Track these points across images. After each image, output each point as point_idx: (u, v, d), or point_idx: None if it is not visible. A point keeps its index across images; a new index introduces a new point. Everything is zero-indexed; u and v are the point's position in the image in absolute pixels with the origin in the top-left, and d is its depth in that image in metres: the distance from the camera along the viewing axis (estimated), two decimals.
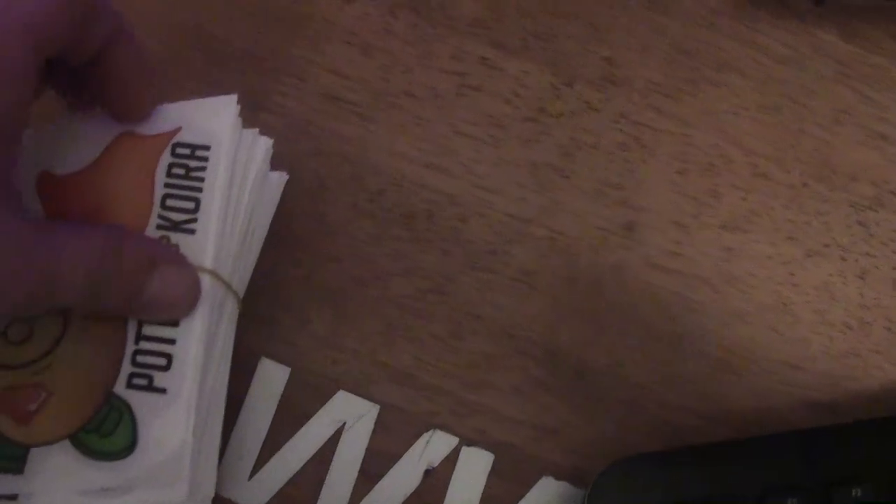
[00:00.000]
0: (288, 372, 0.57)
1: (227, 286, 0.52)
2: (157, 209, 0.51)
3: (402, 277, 0.58)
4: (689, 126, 0.60)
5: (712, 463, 0.53)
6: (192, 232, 0.51)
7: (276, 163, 0.57)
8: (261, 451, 0.56)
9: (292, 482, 0.55)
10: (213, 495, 0.51)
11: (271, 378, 0.57)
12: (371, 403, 0.56)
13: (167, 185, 0.52)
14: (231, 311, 0.53)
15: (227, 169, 0.52)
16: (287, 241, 0.58)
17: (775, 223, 0.59)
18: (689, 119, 0.60)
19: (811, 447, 0.52)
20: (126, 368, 0.49)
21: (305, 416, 0.56)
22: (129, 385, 0.49)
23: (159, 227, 0.51)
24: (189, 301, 0.46)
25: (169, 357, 0.49)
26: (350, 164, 0.59)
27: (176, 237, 0.51)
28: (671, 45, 0.60)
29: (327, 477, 0.55)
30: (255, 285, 0.55)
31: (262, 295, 0.57)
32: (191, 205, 0.52)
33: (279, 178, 0.58)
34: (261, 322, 0.57)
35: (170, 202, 0.52)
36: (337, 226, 0.59)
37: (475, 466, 0.56)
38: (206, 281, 0.50)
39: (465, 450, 0.56)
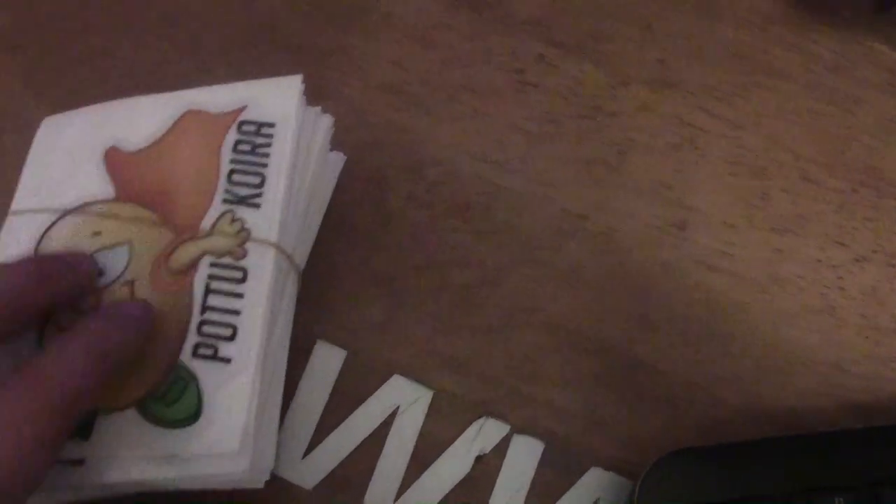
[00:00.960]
0: (343, 355, 0.56)
1: (290, 261, 0.51)
2: (223, 184, 0.51)
3: (457, 267, 0.57)
4: (741, 129, 0.59)
5: (761, 460, 0.51)
6: (258, 206, 0.51)
7: (335, 151, 0.57)
8: (315, 432, 0.54)
9: (345, 464, 0.54)
10: (271, 469, 0.50)
11: (327, 360, 0.56)
12: (425, 388, 0.55)
13: (233, 161, 0.52)
14: (292, 286, 0.52)
15: (293, 146, 0.52)
16: (344, 226, 0.58)
17: (824, 227, 0.58)
18: (741, 122, 0.59)
19: (860, 447, 0.51)
20: (192, 338, 0.48)
21: (359, 399, 0.55)
22: (195, 354, 0.48)
23: (225, 201, 0.51)
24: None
25: (234, 328, 0.48)
26: (408, 154, 0.59)
27: (241, 211, 0.51)
28: (724, 49, 0.59)
29: (379, 460, 0.54)
30: (313, 268, 0.55)
31: (319, 278, 0.56)
32: (256, 180, 0.51)
33: (337, 159, 0.58)
34: (317, 304, 0.56)
35: (235, 177, 0.52)
36: (394, 214, 0.58)
37: (526, 455, 0.55)
38: (270, 254, 0.50)
39: (515, 438, 0.55)
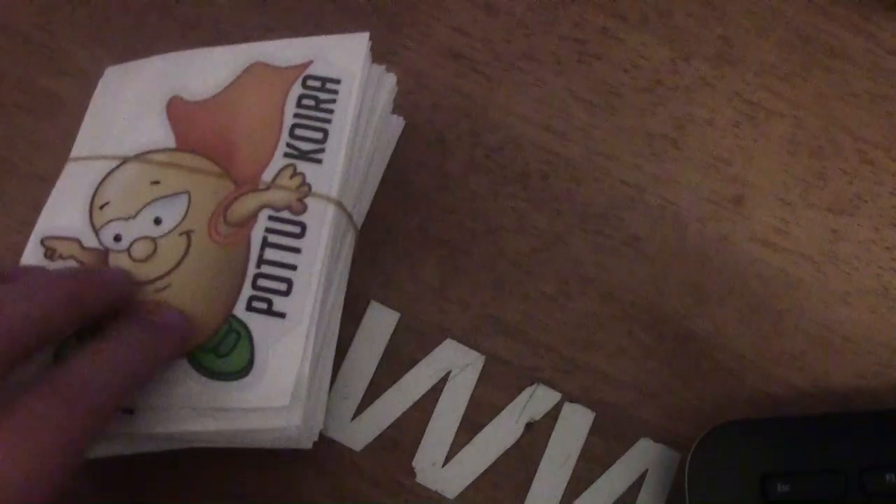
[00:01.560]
0: (397, 317, 0.53)
1: (350, 218, 0.49)
2: (285, 138, 0.49)
3: (514, 234, 0.54)
4: (801, 109, 0.56)
5: (814, 434, 0.49)
6: (319, 161, 0.48)
7: (396, 114, 0.55)
8: (365, 394, 0.52)
9: (394, 426, 0.52)
10: (321, 429, 0.48)
11: (380, 322, 0.53)
12: (477, 354, 0.52)
13: (296, 116, 0.49)
14: (350, 243, 0.50)
15: (357, 102, 0.49)
16: (402, 189, 0.55)
17: (880, 209, 0.55)
18: (801, 102, 0.56)
19: None
20: (246, 291, 0.46)
21: (411, 362, 0.52)
22: (249, 308, 0.46)
23: (286, 155, 0.49)
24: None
25: (289, 282, 0.46)
26: (469, 120, 0.56)
27: (303, 166, 0.48)
28: (786, 28, 0.56)
29: (430, 423, 0.52)
30: (369, 230, 0.53)
31: (376, 240, 0.54)
32: (319, 135, 0.49)
33: (397, 122, 0.55)
34: (372, 266, 0.53)
35: (298, 132, 0.49)
36: (453, 179, 0.55)
37: (576, 423, 0.52)
38: (330, 210, 0.47)
39: (567, 406, 0.52)
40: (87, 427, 0.37)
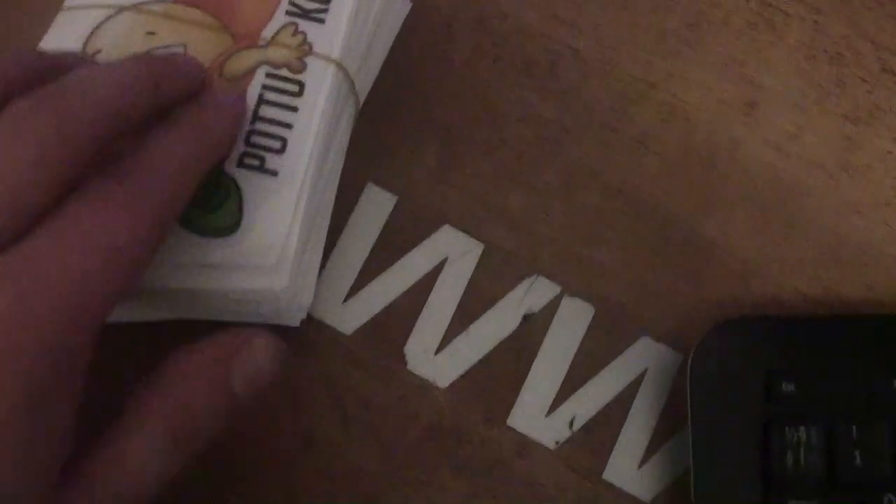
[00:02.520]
0: (394, 200, 0.51)
1: (352, 84, 0.47)
2: None
3: (520, 122, 0.52)
4: (822, 14, 0.54)
5: (822, 336, 0.47)
6: (322, 21, 0.46)
7: None
8: (358, 277, 0.50)
9: (386, 311, 0.50)
10: (309, 306, 0.46)
11: (376, 204, 0.51)
12: (476, 241, 0.51)
13: None
14: (350, 114, 0.48)
15: None
16: (407, 73, 0.53)
17: None
18: (822, 7, 0.54)
19: None
20: (239, 147, 0.44)
21: (407, 247, 0.51)
22: (241, 164, 0.44)
23: (288, 12, 0.46)
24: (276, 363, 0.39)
25: (284, 140, 0.44)
26: (476, 6, 0.54)
27: (305, 25, 0.46)
28: None
29: (423, 310, 0.50)
30: (370, 111, 0.51)
31: (376, 121, 0.52)
32: None
33: (403, 3, 0.53)
34: (373, 147, 0.51)
35: None
36: (458, 65, 0.53)
37: (575, 318, 0.50)
38: (331, 71, 0.46)
39: (566, 299, 0.50)
40: (159, 218, 0.36)
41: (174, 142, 0.38)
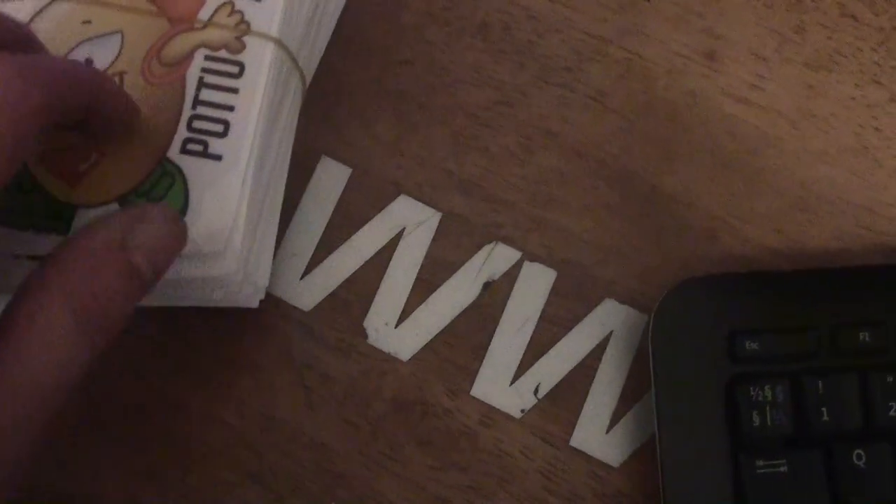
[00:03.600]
0: (348, 172, 0.51)
1: (294, 61, 0.46)
2: None
3: (473, 87, 0.51)
4: None
5: (785, 291, 0.46)
6: None
7: None
8: (315, 252, 0.50)
9: (345, 285, 0.50)
10: (266, 286, 0.45)
11: (331, 177, 0.51)
12: (433, 210, 0.50)
13: None
14: (296, 89, 0.47)
15: None
16: (356, 41, 0.52)
17: (861, 65, 0.51)
18: None
19: (888, 283, 0.46)
20: (181, 133, 0.43)
21: (364, 219, 0.50)
22: (184, 150, 0.43)
23: None
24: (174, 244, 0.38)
25: (226, 124, 0.43)
26: None
27: (241, 4, 0.45)
28: None
29: (382, 282, 0.49)
30: (320, 83, 0.50)
31: (328, 94, 0.51)
32: None
33: None
34: (324, 120, 0.50)
35: None
36: (409, 30, 0.52)
37: (537, 283, 0.49)
38: (269, 49, 0.44)
39: (527, 265, 0.49)
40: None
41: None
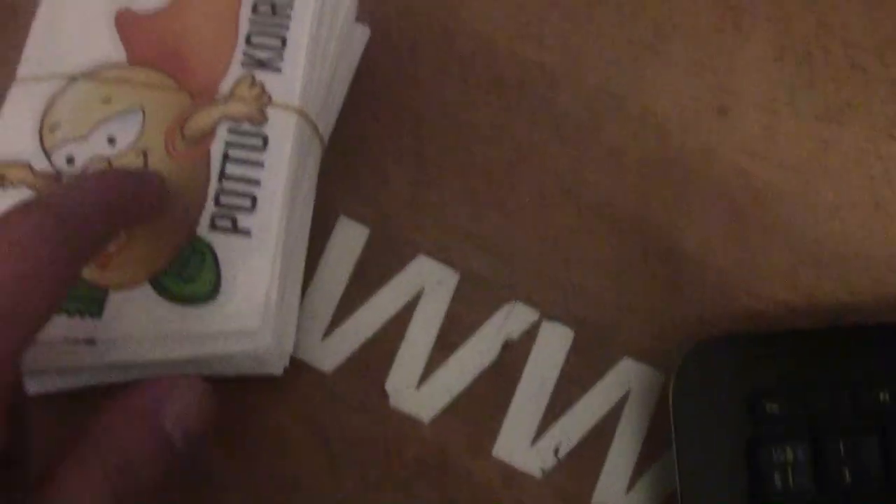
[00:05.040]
0: (367, 232, 0.50)
1: (315, 128, 0.46)
2: (241, 46, 0.46)
3: (489, 144, 0.51)
4: (788, 13, 0.53)
5: (803, 350, 0.46)
6: (279, 70, 0.45)
7: (365, 20, 0.51)
8: (335, 313, 0.49)
9: (366, 346, 0.49)
10: (291, 352, 0.45)
11: (349, 238, 0.50)
12: (451, 270, 0.50)
13: (252, 23, 0.46)
14: (316, 156, 0.47)
15: (317, 6, 0.46)
16: (372, 99, 0.51)
17: (872, 118, 0.51)
18: (788, 6, 0.53)
19: None
20: (209, 209, 0.43)
21: (382, 280, 0.49)
22: (213, 227, 0.43)
23: (244, 64, 0.45)
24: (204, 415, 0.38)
25: (254, 198, 0.43)
26: (440, 25, 0.52)
27: (261, 75, 0.45)
28: None
29: (402, 343, 0.49)
30: (337, 142, 0.49)
31: (344, 152, 0.50)
32: (277, 42, 0.46)
33: (362, 32, 0.51)
34: (341, 179, 0.50)
35: (255, 39, 0.46)
36: (425, 87, 0.51)
37: (555, 342, 0.49)
38: (293, 120, 0.44)
39: (545, 324, 0.49)
40: (80, 247, 0.35)
41: (97, 184, 0.39)
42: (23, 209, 0.33)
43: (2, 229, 0.31)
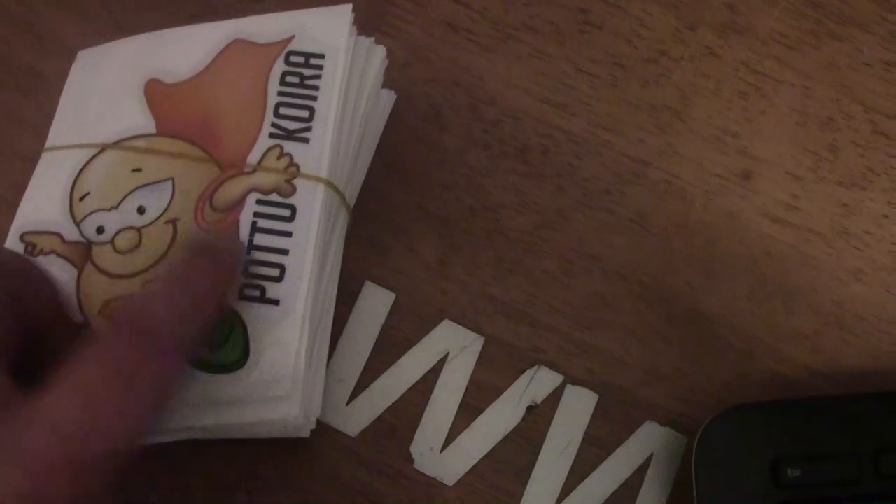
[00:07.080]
0: (392, 297, 0.50)
1: (342, 198, 0.46)
2: (269, 118, 0.46)
3: (515, 210, 0.51)
4: (810, 79, 0.53)
5: (826, 417, 0.46)
6: (307, 141, 0.45)
7: (390, 87, 0.51)
8: (360, 377, 0.49)
9: (391, 410, 0.49)
10: (317, 416, 0.45)
11: (375, 303, 0.50)
12: (476, 335, 0.50)
13: (280, 94, 0.46)
14: (342, 225, 0.47)
15: (344, 77, 0.46)
16: (398, 166, 0.52)
17: (894, 182, 0.51)
18: (811, 72, 0.53)
19: None
20: (238, 279, 0.42)
21: (408, 344, 0.50)
22: (241, 296, 0.42)
23: (272, 135, 0.46)
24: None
25: (282, 268, 0.43)
26: (466, 93, 0.53)
27: (289, 146, 0.45)
28: None
29: (427, 407, 0.49)
30: (362, 208, 0.50)
31: (370, 218, 0.51)
32: (305, 113, 0.46)
33: (388, 97, 0.51)
34: (367, 245, 0.50)
35: (283, 110, 0.46)
36: (450, 154, 0.52)
37: (579, 406, 0.49)
38: (321, 190, 0.44)
39: (569, 388, 0.49)
40: (177, 371, 0.35)
41: (182, 291, 0.38)
42: (115, 340, 0.33)
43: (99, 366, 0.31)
